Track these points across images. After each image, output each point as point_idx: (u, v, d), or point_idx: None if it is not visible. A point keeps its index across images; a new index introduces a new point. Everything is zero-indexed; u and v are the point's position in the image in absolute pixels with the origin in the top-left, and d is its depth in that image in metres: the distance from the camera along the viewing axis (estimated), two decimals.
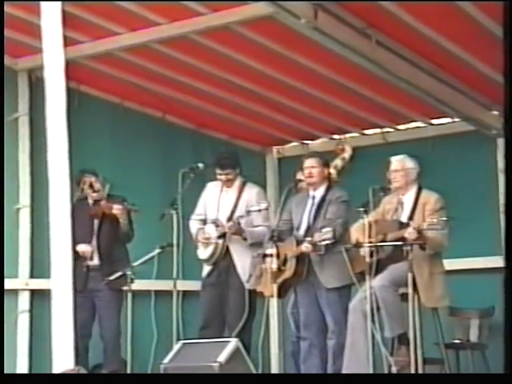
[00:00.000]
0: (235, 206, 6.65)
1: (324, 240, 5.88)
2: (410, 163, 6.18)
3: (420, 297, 5.76)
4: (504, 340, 2.91)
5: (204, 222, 6.75)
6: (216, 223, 6.62)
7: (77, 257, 5.99)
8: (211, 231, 6.62)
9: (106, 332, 6.58)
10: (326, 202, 6.24)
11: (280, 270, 6.08)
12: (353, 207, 6.02)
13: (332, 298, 6.10)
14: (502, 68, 3.45)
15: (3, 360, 4.55)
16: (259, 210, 6.50)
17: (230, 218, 6.61)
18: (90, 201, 6.77)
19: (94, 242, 6.67)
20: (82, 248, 6.48)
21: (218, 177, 6.72)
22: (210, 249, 6.59)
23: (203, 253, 6.64)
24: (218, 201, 6.75)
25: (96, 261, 6.66)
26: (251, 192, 6.71)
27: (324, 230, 5.91)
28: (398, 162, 6.19)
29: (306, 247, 6.01)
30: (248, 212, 6.53)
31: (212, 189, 6.83)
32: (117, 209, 6.56)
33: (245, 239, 6.54)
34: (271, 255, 6.02)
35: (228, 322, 6.53)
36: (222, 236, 6.56)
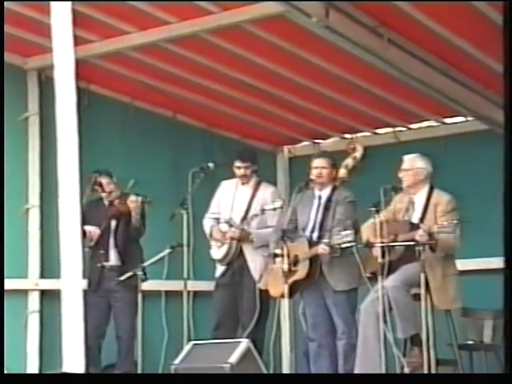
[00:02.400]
0: (249, 205, 6.60)
1: (345, 242, 5.82)
2: (420, 163, 6.12)
3: (432, 298, 5.72)
4: (504, 340, 2.88)
5: (218, 220, 6.71)
6: (229, 223, 6.58)
7: (83, 237, 5.92)
8: (225, 230, 6.59)
9: (123, 333, 6.57)
10: (333, 203, 6.19)
11: (290, 271, 6.03)
12: (361, 207, 5.99)
13: (340, 299, 6.07)
14: None
15: (3, 360, 4.53)
16: (274, 209, 6.43)
17: (244, 218, 6.56)
18: (106, 202, 6.76)
19: (112, 242, 6.67)
20: (89, 228, 6.43)
21: (237, 171, 6.64)
22: (224, 249, 6.54)
23: (217, 253, 6.60)
24: (232, 199, 6.70)
25: (113, 261, 6.65)
26: (266, 191, 6.67)
27: (344, 232, 5.83)
28: (408, 160, 6.14)
29: (323, 249, 5.94)
30: (263, 211, 6.46)
31: (226, 187, 6.79)
32: (132, 201, 6.51)
33: (252, 242, 6.50)
34: (282, 255, 5.98)
35: (242, 323, 6.49)
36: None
